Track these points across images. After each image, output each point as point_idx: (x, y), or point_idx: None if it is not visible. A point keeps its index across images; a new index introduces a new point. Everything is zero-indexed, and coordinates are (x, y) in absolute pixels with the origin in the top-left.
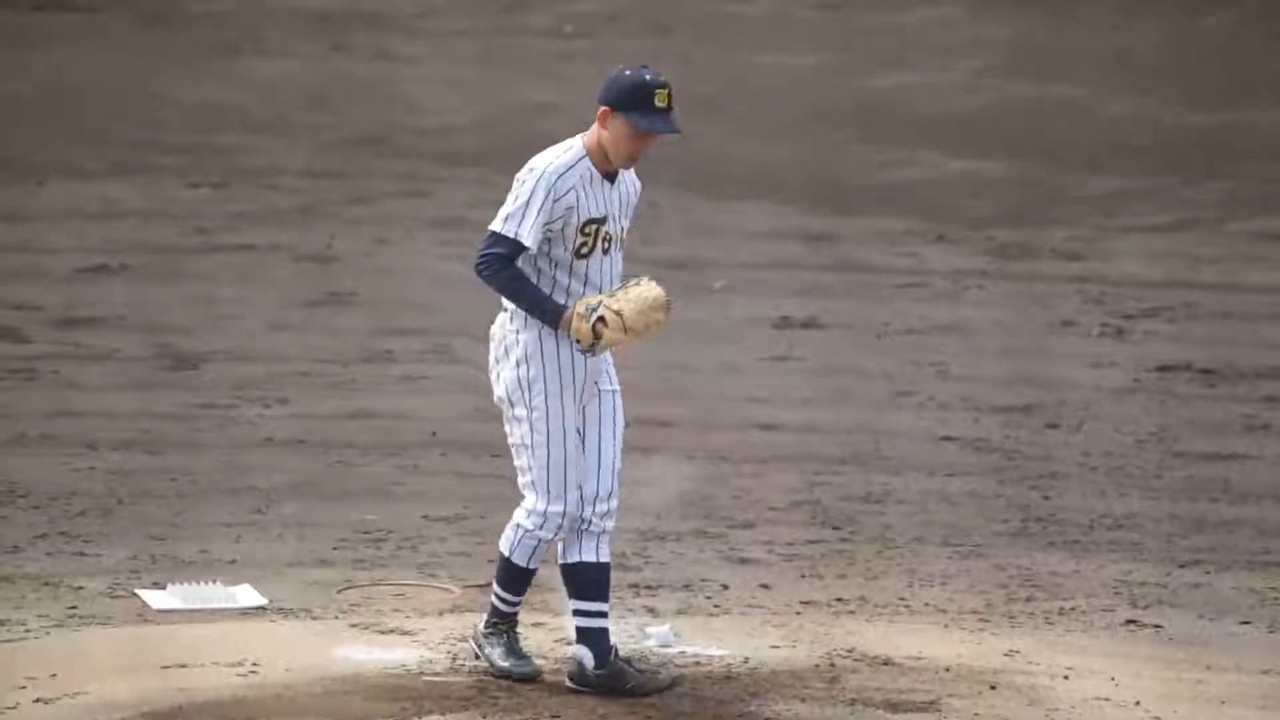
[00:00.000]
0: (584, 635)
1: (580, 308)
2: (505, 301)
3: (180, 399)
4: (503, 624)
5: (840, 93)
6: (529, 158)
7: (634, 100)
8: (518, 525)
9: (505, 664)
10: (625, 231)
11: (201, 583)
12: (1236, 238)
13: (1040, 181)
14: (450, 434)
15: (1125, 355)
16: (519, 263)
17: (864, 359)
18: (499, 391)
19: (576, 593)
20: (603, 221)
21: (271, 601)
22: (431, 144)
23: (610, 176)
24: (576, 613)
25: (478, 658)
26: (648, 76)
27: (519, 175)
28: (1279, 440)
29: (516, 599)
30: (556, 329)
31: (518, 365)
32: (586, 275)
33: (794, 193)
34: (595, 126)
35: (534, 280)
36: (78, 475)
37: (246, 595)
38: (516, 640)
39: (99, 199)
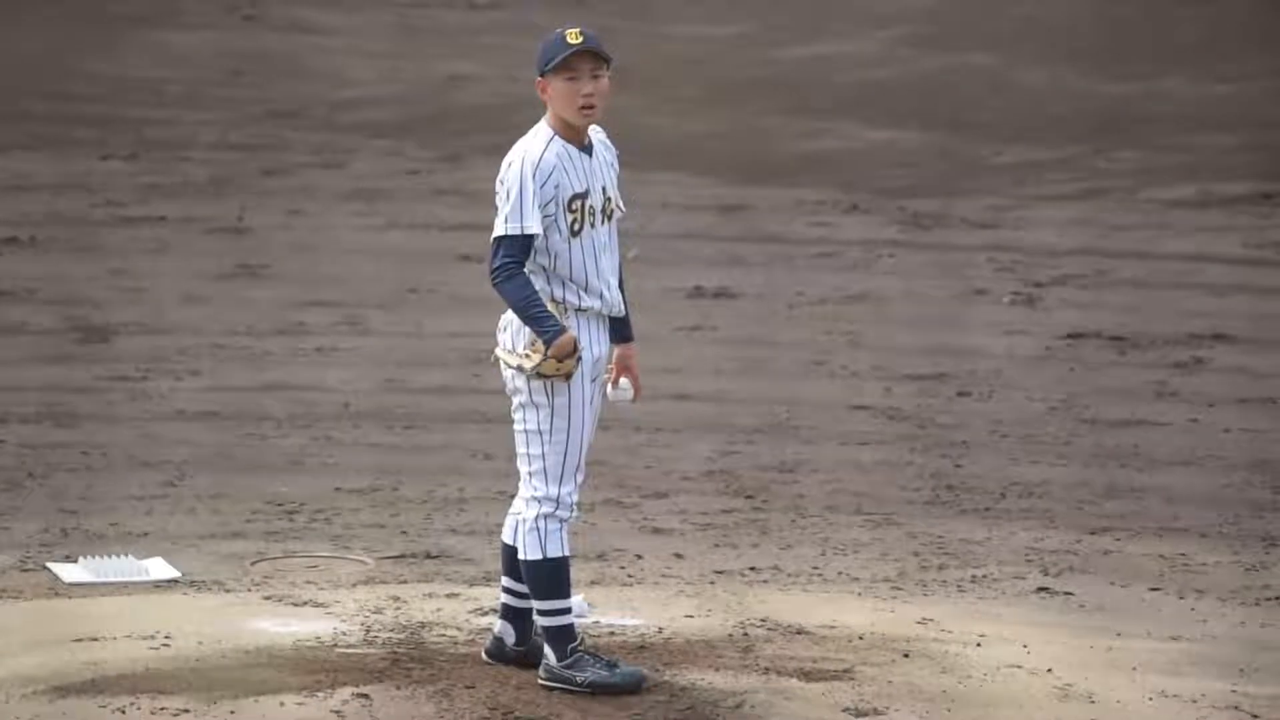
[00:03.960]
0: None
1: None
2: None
3: (91, 372)
4: (579, 645)
5: (756, 63)
6: (443, 128)
7: (553, 53)
8: (535, 519)
9: (616, 679)
10: (613, 202)
11: (113, 556)
12: (1149, 206)
13: (954, 151)
14: (363, 405)
15: (1036, 323)
16: (526, 269)
17: (777, 329)
18: (514, 382)
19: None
20: (585, 196)
21: (184, 574)
22: (346, 116)
23: (585, 149)
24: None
25: (574, 691)
26: (558, 29)
27: (500, 177)
28: (1188, 407)
29: (568, 601)
30: (549, 344)
31: None
32: (583, 253)
33: (709, 163)
34: (548, 106)
35: (542, 281)
36: None
37: (159, 568)
38: (598, 651)
39: (10, 172)
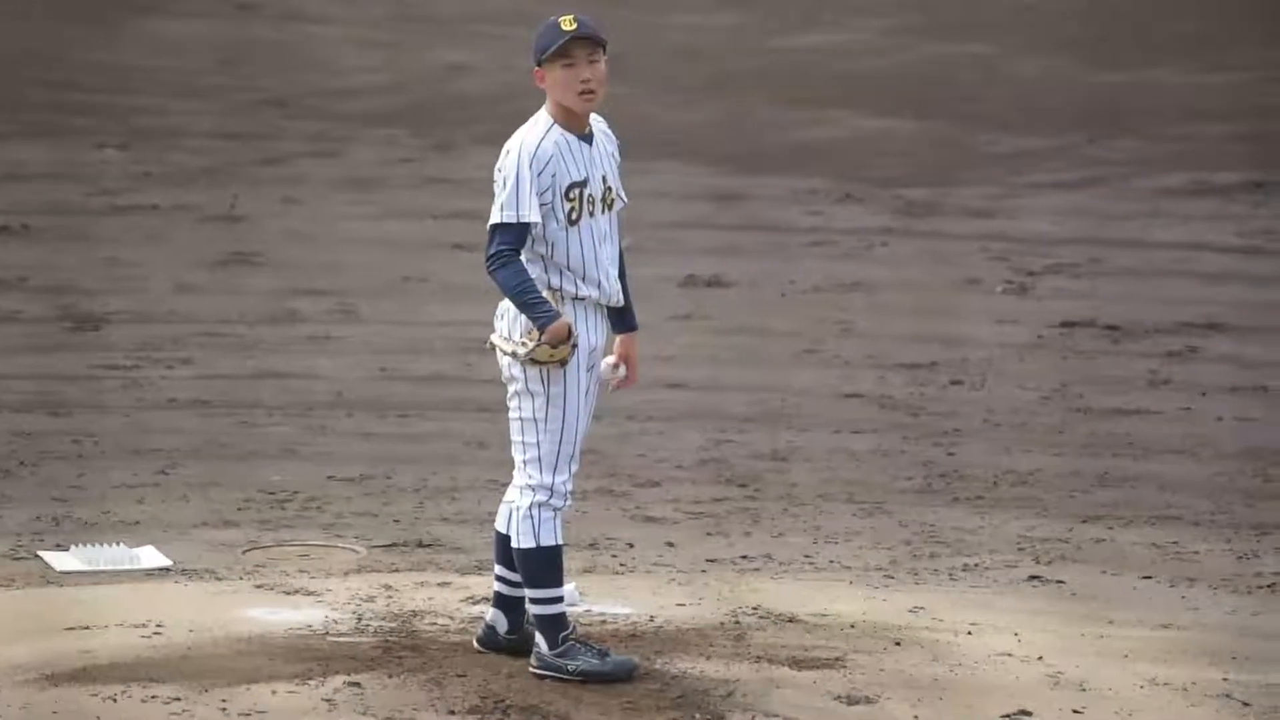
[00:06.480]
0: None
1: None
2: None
3: (83, 360)
4: (570, 634)
5: (751, 53)
6: (438, 116)
7: (548, 41)
8: (529, 507)
9: (607, 668)
10: (614, 192)
11: (105, 544)
12: (1142, 195)
13: (950, 140)
14: (356, 394)
15: (1029, 312)
16: (523, 257)
17: (770, 318)
18: (510, 370)
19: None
20: (583, 184)
21: (176, 563)
22: (341, 104)
23: (585, 138)
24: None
25: (565, 680)
26: (552, 17)
27: (498, 165)
28: (1181, 396)
29: (560, 590)
30: (543, 329)
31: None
32: (581, 242)
33: (704, 152)
34: (547, 95)
35: (539, 269)
36: None
37: (150, 556)
38: (589, 639)
39: (3, 160)
